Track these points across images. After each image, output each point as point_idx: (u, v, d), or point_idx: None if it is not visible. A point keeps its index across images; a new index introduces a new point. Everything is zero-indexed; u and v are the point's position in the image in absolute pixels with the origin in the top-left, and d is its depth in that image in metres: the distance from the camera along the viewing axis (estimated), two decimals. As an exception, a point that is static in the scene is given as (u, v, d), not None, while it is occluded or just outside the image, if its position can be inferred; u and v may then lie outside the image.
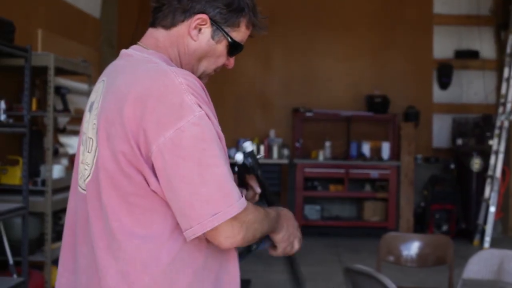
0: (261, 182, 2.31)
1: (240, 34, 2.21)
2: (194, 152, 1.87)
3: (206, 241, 1.99)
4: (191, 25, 2.13)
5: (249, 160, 2.26)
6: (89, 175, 2.06)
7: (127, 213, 1.97)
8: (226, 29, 2.16)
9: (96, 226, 2.02)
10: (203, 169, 1.87)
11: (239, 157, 2.27)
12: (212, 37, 2.16)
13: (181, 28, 2.15)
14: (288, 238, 2.23)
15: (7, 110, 5.71)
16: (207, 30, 2.15)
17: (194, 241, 1.96)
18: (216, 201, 1.87)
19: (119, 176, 1.96)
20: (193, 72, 2.16)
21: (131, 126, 1.91)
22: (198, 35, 2.15)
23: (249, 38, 2.28)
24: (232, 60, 2.28)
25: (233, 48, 2.22)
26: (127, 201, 1.96)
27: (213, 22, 2.14)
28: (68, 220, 2.20)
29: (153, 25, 2.20)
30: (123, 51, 2.19)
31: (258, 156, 2.30)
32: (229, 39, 2.18)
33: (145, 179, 1.94)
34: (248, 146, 2.30)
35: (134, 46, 2.20)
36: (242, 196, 1.94)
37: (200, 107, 1.92)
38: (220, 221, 1.87)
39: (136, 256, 1.95)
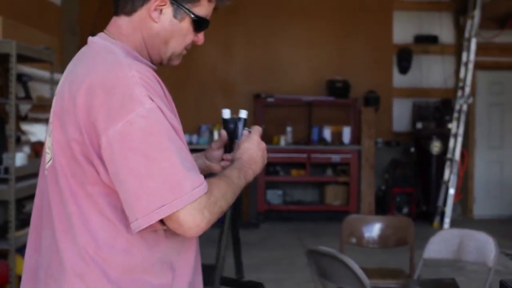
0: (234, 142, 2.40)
1: (202, 8, 2.17)
2: (141, 144, 1.87)
3: (164, 231, 2.01)
4: (151, 8, 2.10)
5: (231, 125, 2.42)
6: (50, 159, 2.09)
7: (83, 198, 1.99)
8: (187, 6, 2.13)
9: (55, 209, 2.05)
10: (149, 162, 1.86)
11: (225, 113, 2.43)
12: (175, 16, 2.13)
13: (142, 12, 2.12)
14: (257, 171, 2.28)
15: (-31, 98, 5.69)
16: (167, 10, 2.12)
17: (150, 232, 1.99)
18: (162, 194, 1.85)
19: (73, 164, 1.98)
20: (161, 55, 2.19)
21: (82, 115, 1.93)
22: (159, 16, 2.12)
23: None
24: (201, 36, 2.24)
25: (199, 23, 2.19)
26: (82, 187, 1.99)
27: (173, 1, 2.11)
28: (36, 202, 2.21)
29: (116, 13, 2.18)
30: (90, 38, 2.19)
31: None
32: (192, 15, 2.15)
33: (96, 169, 1.95)
34: (242, 113, 2.43)
35: (100, 34, 2.19)
36: (202, 183, 1.92)
37: (152, 100, 1.91)
38: (166, 213, 1.86)
39: (92, 242, 1.98)
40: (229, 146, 2.45)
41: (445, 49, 12.15)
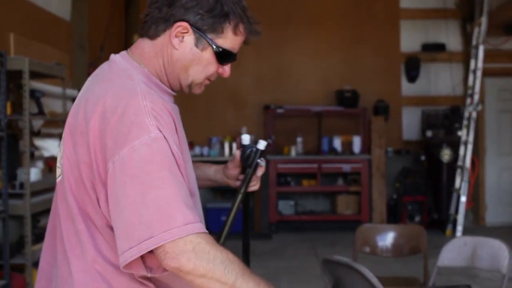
0: (248, 175, 2.42)
1: (227, 40, 2.13)
2: (140, 171, 1.85)
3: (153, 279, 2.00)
4: (172, 34, 2.09)
5: (248, 151, 2.44)
6: (60, 175, 2.12)
7: (89, 218, 2.03)
8: (210, 36, 2.10)
9: (64, 224, 2.09)
10: (145, 190, 1.83)
11: (245, 139, 2.47)
12: (196, 45, 2.10)
13: (164, 38, 2.11)
14: None
15: (-17, 115, 5.74)
16: (189, 37, 2.10)
17: (141, 278, 1.99)
18: (152, 224, 1.81)
19: (80, 185, 2.01)
20: (180, 82, 2.18)
21: (94, 140, 1.94)
22: (180, 43, 2.10)
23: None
24: (226, 68, 2.21)
25: (222, 55, 2.15)
26: (88, 208, 2.02)
27: (195, 29, 2.08)
28: (51, 215, 2.23)
29: (142, 35, 2.18)
30: (112, 56, 2.19)
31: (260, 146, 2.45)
32: (214, 46, 2.11)
33: (97, 197, 1.97)
34: (261, 143, 2.46)
35: (122, 53, 2.19)
36: (197, 222, 1.87)
37: (159, 130, 1.91)
38: (154, 245, 1.81)
39: (99, 258, 2.02)
40: (243, 169, 2.50)
41: (453, 57, 12.16)
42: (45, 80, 7.52)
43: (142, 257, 1.91)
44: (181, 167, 1.95)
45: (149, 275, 1.94)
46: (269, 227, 11.19)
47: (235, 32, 2.15)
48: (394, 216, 11.46)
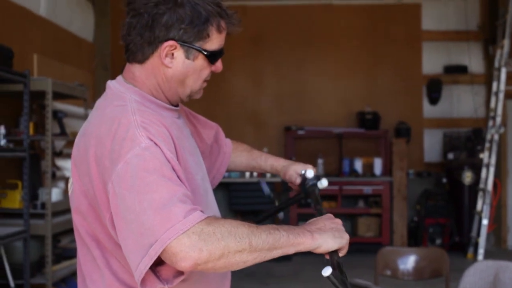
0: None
1: (214, 41, 2.14)
2: (135, 181, 1.84)
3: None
4: (162, 55, 2.09)
5: (307, 184, 2.59)
6: (72, 204, 2.15)
7: (102, 245, 2.05)
8: (198, 44, 2.11)
9: (81, 251, 2.13)
10: (142, 197, 1.82)
11: (310, 172, 2.58)
12: (187, 57, 2.11)
13: (154, 60, 2.11)
14: (319, 238, 2.04)
15: (6, 135, 5.79)
16: (179, 52, 2.10)
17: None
18: (154, 228, 1.79)
19: (90, 212, 2.03)
20: (179, 95, 2.19)
21: (93, 166, 1.96)
22: (172, 61, 2.11)
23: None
24: (218, 64, 2.20)
25: (213, 56, 2.16)
26: (100, 235, 2.03)
27: (182, 43, 2.09)
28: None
29: (128, 60, 2.18)
30: (108, 82, 2.21)
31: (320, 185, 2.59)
32: (204, 52, 2.12)
33: (103, 223, 1.98)
34: (323, 182, 2.61)
35: (117, 78, 2.21)
36: (196, 210, 1.84)
37: (150, 139, 1.91)
38: (160, 249, 1.78)
39: (115, 283, 2.05)
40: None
41: (475, 79, 12.11)
42: (68, 100, 7.58)
43: (155, 270, 1.90)
44: (179, 172, 1.94)
45: (166, 286, 1.92)
46: (289, 249, 11.12)
47: (219, 31, 2.15)
48: (415, 239, 11.38)
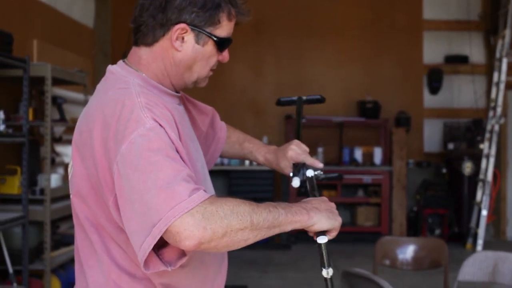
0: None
1: (224, 28, 2.15)
2: (139, 161, 1.83)
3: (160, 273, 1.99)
4: (172, 37, 2.09)
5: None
6: (71, 190, 2.14)
7: (102, 229, 2.05)
8: (208, 29, 2.11)
9: (79, 236, 2.12)
10: (146, 176, 1.81)
11: (309, 173, 2.53)
12: (197, 42, 2.12)
13: (164, 43, 2.12)
14: (315, 216, 2.09)
15: (5, 121, 5.78)
16: (189, 37, 2.11)
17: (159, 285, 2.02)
18: (158, 206, 1.78)
19: (91, 196, 2.02)
20: (185, 81, 2.19)
21: (98, 148, 1.95)
22: (182, 45, 2.11)
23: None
24: (225, 54, 2.22)
25: (222, 44, 2.16)
26: (100, 219, 2.03)
27: (193, 27, 2.09)
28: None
29: (136, 44, 2.18)
30: (109, 67, 2.20)
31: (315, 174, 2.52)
32: (214, 38, 2.13)
33: (108, 207, 1.97)
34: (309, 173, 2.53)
35: (119, 63, 2.20)
36: (199, 190, 1.83)
37: (154, 120, 1.92)
38: (163, 228, 1.76)
39: (115, 268, 2.04)
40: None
41: (476, 69, 12.09)
42: (67, 86, 7.56)
43: (158, 253, 1.89)
44: (182, 153, 1.94)
45: (169, 269, 1.91)
46: (288, 238, 11.14)
47: (229, 18, 2.16)
48: (414, 229, 11.40)
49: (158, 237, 1.78)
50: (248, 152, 2.80)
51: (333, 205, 2.21)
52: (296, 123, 2.82)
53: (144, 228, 1.79)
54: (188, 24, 2.09)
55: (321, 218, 2.11)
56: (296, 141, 2.69)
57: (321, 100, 2.89)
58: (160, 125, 1.92)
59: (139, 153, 1.84)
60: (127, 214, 1.85)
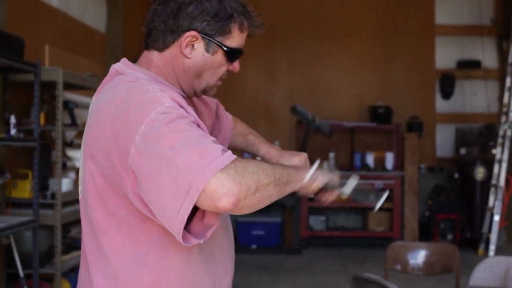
0: None
1: (235, 39, 2.16)
2: (161, 132, 1.82)
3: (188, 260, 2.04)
4: (182, 44, 2.11)
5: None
6: (81, 192, 2.14)
7: (115, 229, 2.02)
8: (219, 39, 2.12)
9: (85, 241, 2.11)
10: (173, 142, 1.79)
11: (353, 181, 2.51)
12: (207, 50, 2.13)
13: (174, 49, 2.13)
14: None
15: (16, 125, 5.79)
16: (199, 45, 2.12)
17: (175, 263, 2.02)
18: (192, 165, 1.76)
19: (106, 192, 2.00)
20: (194, 88, 2.20)
21: (111, 140, 1.93)
22: (191, 52, 2.12)
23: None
24: (236, 65, 2.23)
25: (232, 54, 2.17)
26: (115, 216, 2.01)
27: (204, 35, 2.11)
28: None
29: (147, 48, 2.20)
30: (113, 66, 2.20)
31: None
32: (224, 48, 2.14)
33: (127, 196, 1.94)
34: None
35: (123, 60, 2.21)
36: (228, 150, 1.84)
37: (174, 101, 1.92)
38: (202, 185, 1.74)
39: (122, 272, 2.03)
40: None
41: (488, 74, 12.06)
42: (79, 91, 7.57)
43: (187, 229, 1.88)
44: (202, 126, 1.95)
45: (201, 241, 1.89)
46: (300, 243, 11.13)
47: (241, 30, 2.17)
48: (426, 234, 11.35)
49: (196, 197, 1.75)
50: (250, 144, 2.80)
51: None
52: (303, 140, 2.93)
53: (178, 195, 1.77)
54: (199, 32, 2.10)
55: (318, 173, 2.16)
56: (305, 155, 2.71)
57: (328, 135, 2.92)
58: (180, 105, 1.93)
59: (159, 126, 1.82)
60: (153, 191, 1.82)
